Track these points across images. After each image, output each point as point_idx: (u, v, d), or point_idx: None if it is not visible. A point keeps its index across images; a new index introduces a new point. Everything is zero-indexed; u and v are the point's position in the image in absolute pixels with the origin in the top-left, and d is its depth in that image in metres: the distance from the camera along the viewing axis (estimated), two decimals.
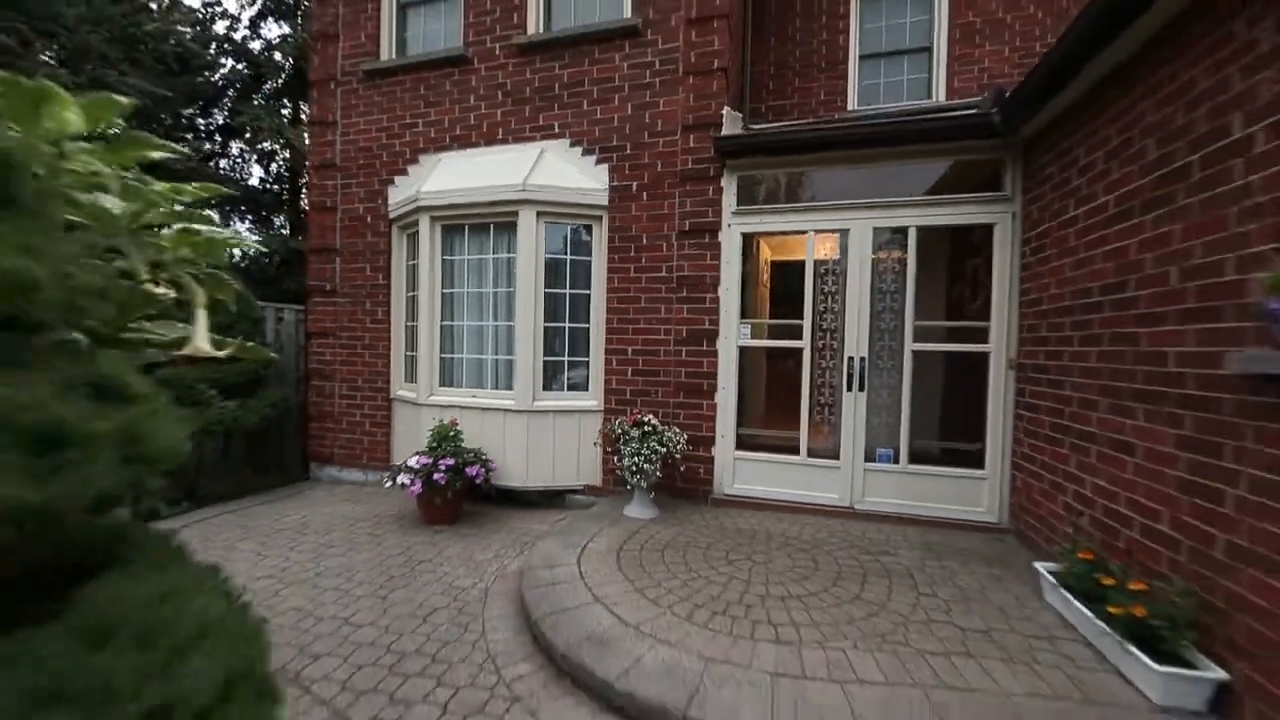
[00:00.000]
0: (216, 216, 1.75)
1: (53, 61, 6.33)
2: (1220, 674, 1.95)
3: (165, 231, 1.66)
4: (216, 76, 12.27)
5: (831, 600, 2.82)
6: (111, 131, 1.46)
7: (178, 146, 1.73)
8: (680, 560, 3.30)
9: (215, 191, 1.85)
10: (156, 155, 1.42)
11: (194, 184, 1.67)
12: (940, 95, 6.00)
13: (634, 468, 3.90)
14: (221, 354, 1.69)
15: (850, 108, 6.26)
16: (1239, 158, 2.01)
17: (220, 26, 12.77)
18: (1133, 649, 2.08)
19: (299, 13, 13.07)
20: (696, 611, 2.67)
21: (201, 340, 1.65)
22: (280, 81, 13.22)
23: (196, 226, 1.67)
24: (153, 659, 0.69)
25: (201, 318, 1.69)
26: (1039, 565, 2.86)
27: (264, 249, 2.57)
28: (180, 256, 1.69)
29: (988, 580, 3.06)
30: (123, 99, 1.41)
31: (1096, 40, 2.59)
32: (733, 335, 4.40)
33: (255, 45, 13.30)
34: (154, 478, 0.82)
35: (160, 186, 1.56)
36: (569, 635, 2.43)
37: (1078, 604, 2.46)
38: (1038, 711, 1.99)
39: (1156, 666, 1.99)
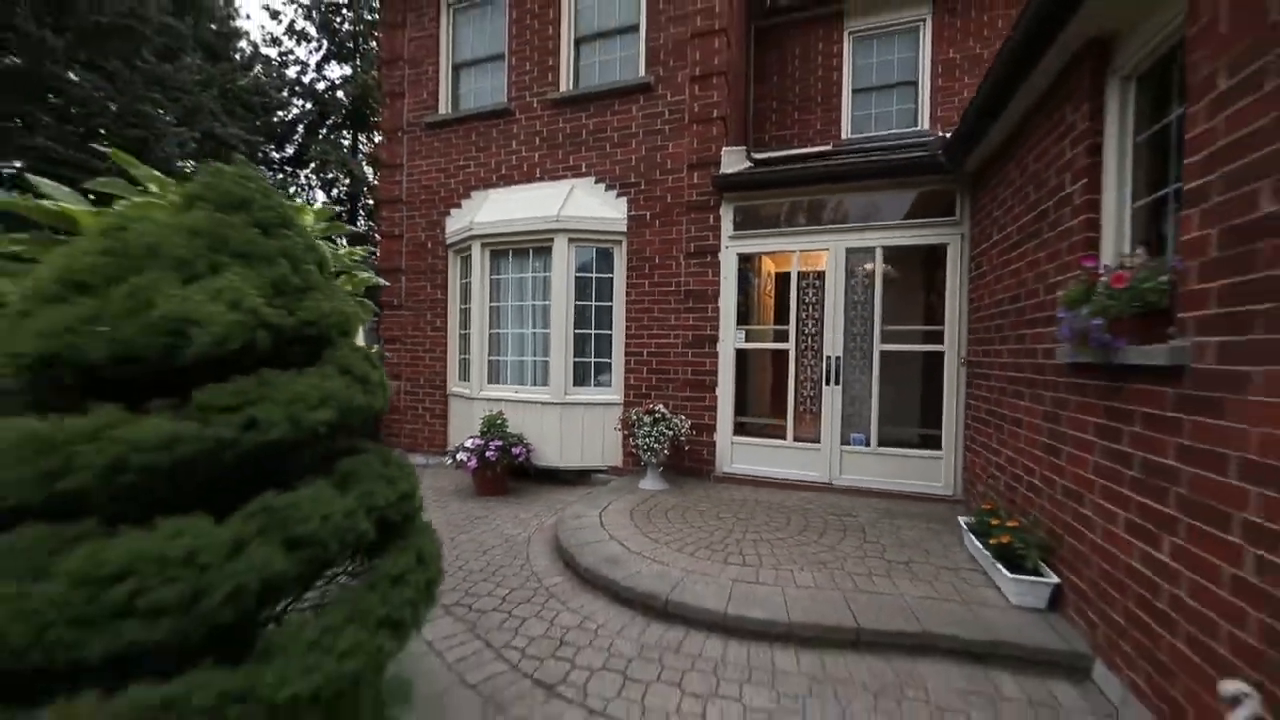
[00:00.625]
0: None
1: (173, 121, 7.74)
2: (1053, 579, 2.70)
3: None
4: (289, 115, 13.88)
5: (793, 543, 3.64)
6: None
7: (353, 228, 2.78)
8: (680, 517, 4.17)
9: (369, 251, 2.92)
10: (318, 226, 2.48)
11: (362, 247, 2.71)
12: (925, 124, 6.72)
13: (646, 447, 4.79)
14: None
15: (844, 136, 7.04)
16: (1068, 206, 2.78)
17: (292, 71, 14.40)
18: (998, 565, 2.85)
19: (358, 55, 14.64)
20: (686, 546, 3.54)
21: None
22: (341, 116, 14.76)
23: (357, 271, 2.68)
24: (404, 473, 1.63)
25: (360, 331, 2.71)
26: (960, 518, 3.62)
27: (384, 282, 3.45)
28: (346, 290, 2.72)
29: (925, 533, 3.82)
30: (333, 208, 2.44)
31: (987, 118, 3.38)
32: (730, 339, 5.25)
33: (320, 85, 14.92)
34: (385, 407, 1.77)
35: (344, 250, 2.59)
36: (590, 558, 3.33)
37: (975, 541, 3.22)
38: (924, 608, 2.78)
39: (1008, 574, 2.75)
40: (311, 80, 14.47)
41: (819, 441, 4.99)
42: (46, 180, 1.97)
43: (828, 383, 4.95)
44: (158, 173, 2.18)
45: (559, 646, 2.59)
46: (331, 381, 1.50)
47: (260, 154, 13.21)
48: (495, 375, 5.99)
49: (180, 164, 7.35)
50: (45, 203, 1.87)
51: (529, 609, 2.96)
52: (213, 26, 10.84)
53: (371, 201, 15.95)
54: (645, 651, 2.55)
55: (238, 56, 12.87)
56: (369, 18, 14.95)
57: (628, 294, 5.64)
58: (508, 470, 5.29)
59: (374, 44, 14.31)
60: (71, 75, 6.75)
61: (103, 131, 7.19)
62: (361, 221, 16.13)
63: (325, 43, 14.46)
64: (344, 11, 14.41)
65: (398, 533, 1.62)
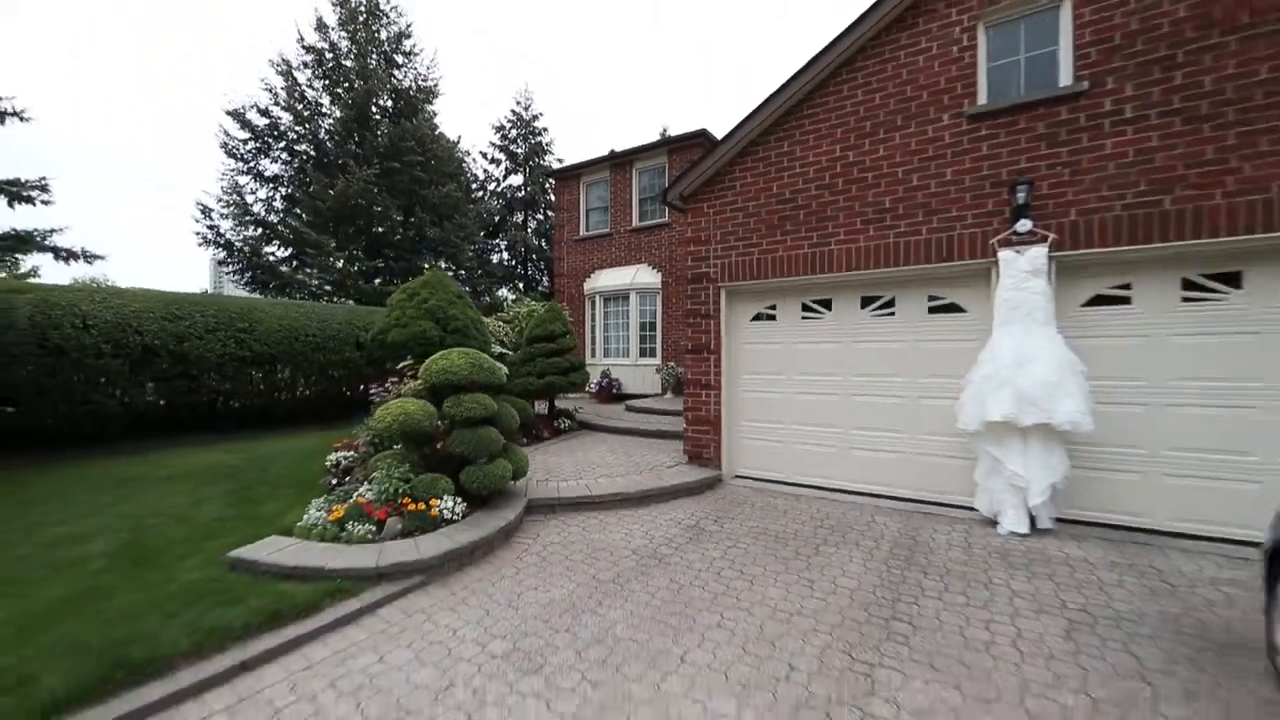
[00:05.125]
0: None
1: (466, 242, 16.26)
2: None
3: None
4: (489, 213, 22.85)
5: None
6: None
7: (534, 305, 10.23)
8: (672, 401, 10.98)
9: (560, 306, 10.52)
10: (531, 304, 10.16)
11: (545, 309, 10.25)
12: None
13: (664, 380, 11.66)
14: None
15: None
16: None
17: (491, 185, 23.51)
18: None
19: (528, 166, 23.29)
20: (670, 404, 10.39)
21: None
22: (519, 205, 23.49)
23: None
24: (580, 364, 8.82)
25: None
26: None
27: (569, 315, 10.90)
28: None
29: None
30: (565, 312, 10.12)
31: None
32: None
33: (503, 187, 23.82)
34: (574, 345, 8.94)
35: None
36: (634, 405, 10.33)
37: None
38: None
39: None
40: (502, 187, 23.43)
41: None
42: (523, 295, 9.52)
43: None
44: (528, 296, 9.65)
45: (617, 418, 9.64)
46: (572, 339, 8.76)
47: (477, 240, 22.19)
48: (606, 353, 13.24)
49: (467, 255, 15.78)
50: (524, 308, 9.33)
51: (613, 417, 10.05)
52: (472, 188, 19.82)
53: (533, 255, 24.53)
54: (639, 418, 9.50)
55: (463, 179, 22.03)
56: (534, 141, 23.61)
57: (662, 317, 12.56)
58: (609, 394, 12.47)
59: (540, 159, 22.98)
60: (429, 231, 15.45)
61: (440, 249, 15.98)
62: (528, 267, 24.79)
63: (508, 162, 23.30)
64: (519, 141, 23.14)
65: (580, 368, 8.74)
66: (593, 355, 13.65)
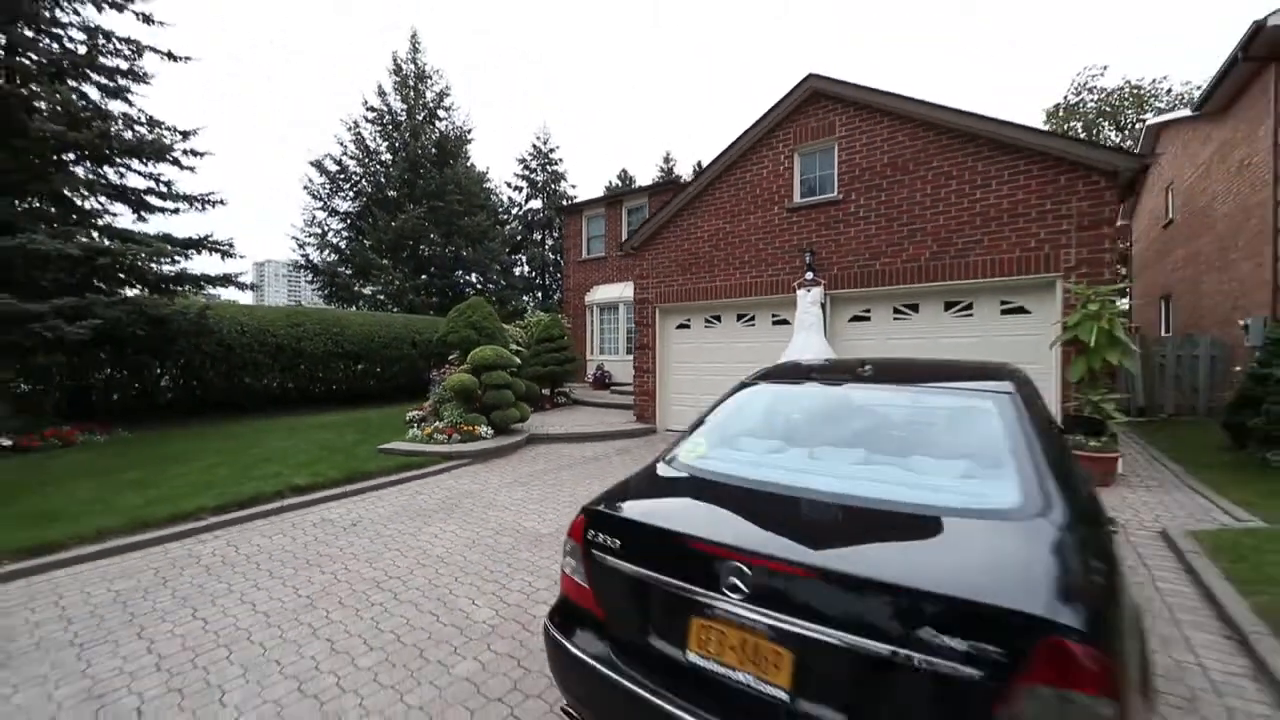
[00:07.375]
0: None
1: (493, 262, 20.09)
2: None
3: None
4: (513, 234, 26.67)
5: None
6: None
7: (542, 316, 14.10)
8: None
9: (559, 313, 14.32)
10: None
11: (553, 313, 14.06)
12: None
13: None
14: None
15: None
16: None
17: (514, 210, 27.39)
18: None
19: (545, 193, 27.09)
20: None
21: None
22: (538, 225, 27.30)
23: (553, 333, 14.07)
24: (572, 349, 12.44)
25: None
26: None
27: (568, 324, 14.22)
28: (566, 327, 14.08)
29: None
30: (564, 320, 13.94)
31: None
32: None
33: (523, 211, 27.66)
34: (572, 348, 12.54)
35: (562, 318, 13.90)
36: (617, 390, 13.87)
37: None
38: None
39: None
40: (524, 210, 27.27)
41: None
42: (540, 310, 13.20)
43: None
44: (541, 311, 13.29)
45: (601, 398, 13.20)
46: (568, 339, 12.38)
47: (503, 258, 26.07)
48: (601, 352, 16.83)
49: (494, 272, 19.52)
50: (534, 318, 12.94)
51: (598, 397, 13.61)
52: (498, 212, 23.74)
53: (550, 268, 28.28)
54: (616, 397, 13.05)
55: (491, 204, 25.92)
56: (551, 169, 27.40)
57: (636, 324, 16.10)
58: (602, 383, 16.05)
59: (556, 185, 26.77)
60: (464, 252, 19.28)
61: (473, 268, 19.79)
62: (546, 278, 28.58)
63: (529, 188, 27.13)
64: (538, 170, 26.99)
65: (574, 360, 12.28)
66: (591, 353, 17.22)
